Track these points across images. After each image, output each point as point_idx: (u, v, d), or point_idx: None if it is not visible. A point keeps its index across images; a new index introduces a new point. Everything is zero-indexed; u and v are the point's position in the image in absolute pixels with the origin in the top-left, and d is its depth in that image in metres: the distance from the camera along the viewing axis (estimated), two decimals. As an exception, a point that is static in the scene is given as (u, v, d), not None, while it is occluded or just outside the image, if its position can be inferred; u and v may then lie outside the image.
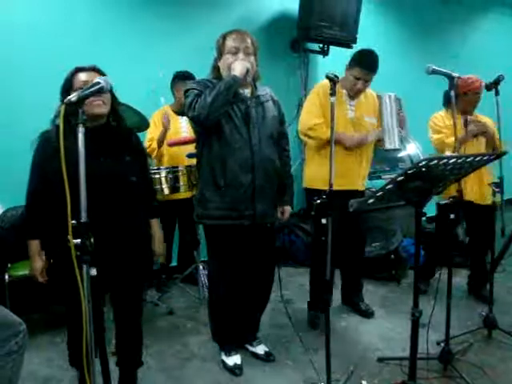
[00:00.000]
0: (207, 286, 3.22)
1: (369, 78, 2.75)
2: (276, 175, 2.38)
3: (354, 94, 2.83)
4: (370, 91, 2.96)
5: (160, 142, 3.35)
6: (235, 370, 2.44)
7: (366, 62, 2.73)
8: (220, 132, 2.21)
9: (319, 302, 3.01)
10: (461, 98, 3.00)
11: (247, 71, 2.14)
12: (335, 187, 2.52)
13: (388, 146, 2.78)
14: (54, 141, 1.72)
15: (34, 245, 1.90)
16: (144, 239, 2.05)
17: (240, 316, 2.56)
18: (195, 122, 2.23)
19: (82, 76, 1.83)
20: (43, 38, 3.31)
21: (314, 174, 2.84)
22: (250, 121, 2.24)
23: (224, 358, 2.52)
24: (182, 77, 3.45)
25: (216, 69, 2.31)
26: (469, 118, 2.99)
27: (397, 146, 2.78)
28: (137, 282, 2.07)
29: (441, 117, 3.23)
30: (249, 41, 2.22)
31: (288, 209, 2.51)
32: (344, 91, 2.82)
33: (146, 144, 3.41)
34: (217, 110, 2.10)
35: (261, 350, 2.62)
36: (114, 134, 1.91)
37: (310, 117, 2.78)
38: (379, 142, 2.88)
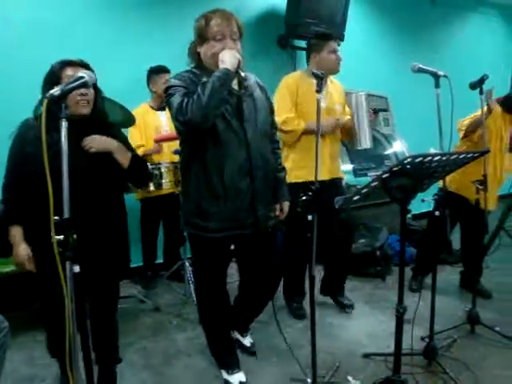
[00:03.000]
0: (193, 284, 3.21)
1: (338, 47, 2.84)
2: (272, 175, 2.22)
3: (338, 70, 2.85)
4: (334, 80, 2.99)
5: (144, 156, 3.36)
6: None
7: (328, 35, 2.85)
8: (213, 132, 1.94)
9: (295, 291, 3.10)
10: None
11: (239, 63, 1.89)
12: (312, 178, 2.56)
13: (359, 146, 2.82)
14: (34, 129, 1.74)
15: (16, 231, 1.86)
16: (121, 234, 2.04)
17: (239, 315, 2.50)
18: (188, 126, 1.85)
19: (69, 71, 1.81)
20: (38, 35, 3.32)
21: (291, 168, 2.78)
22: (244, 116, 2.00)
23: (227, 376, 2.32)
24: (155, 71, 3.47)
25: (196, 55, 2.04)
26: None
27: (368, 146, 2.81)
28: (113, 277, 2.06)
29: None
30: (234, 24, 1.96)
31: (287, 204, 2.34)
32: (314, 81, 2.78)
33: None
34: (213, 111, 1.83)
35: (247, 341, 2.62)
36: (94, 127, 1.89)
37: (280, 112, 2.74)
38: (350, 140, 2.93)
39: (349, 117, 2.91)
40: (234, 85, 2.01)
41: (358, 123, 2.75)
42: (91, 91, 1.85)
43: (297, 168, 2.80)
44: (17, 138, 1.87)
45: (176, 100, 1.86)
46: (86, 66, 1.85)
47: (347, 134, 2.98)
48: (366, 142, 2.78)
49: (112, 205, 1.96)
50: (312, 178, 2.64)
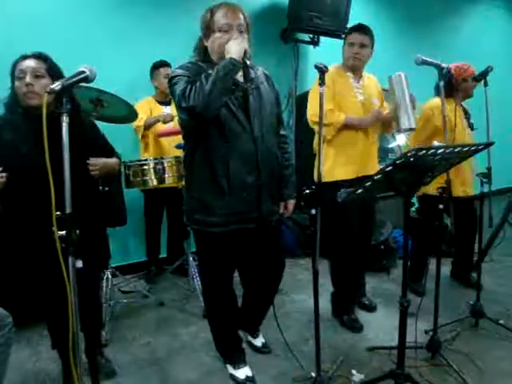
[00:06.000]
0: (197, 278, 3.21)
1: (364, 41, 2.72)
2: (278, 170, 2.18)
3: (354, 65, 2.75)
4: (371, 75, 2.95)
5: (146, 128, 3.38)
6: None
7: (356, 27, 2.77)
8: (219, 125, 1.92)
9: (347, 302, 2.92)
10: (460, 85, 3.04)
11: (245, 52, 1.82)
12: (358, 174, 2.65)
13: (407, 125, 2.56)
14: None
15: None
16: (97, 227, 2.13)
17: (247, 316, 2.48)
18: (190, 114, 1.81)
19: (24, 63, 1.83)
20: (41, 33, 3.29)
21: (333, 166, 2.73)
22: (250, 109, 1.97)
23: (232, 371, 2.32)
24: (157, 66, 3.49)
25: (202, 49, 2.02)
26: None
27: (413, 126, 2.56)
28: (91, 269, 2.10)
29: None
30: (241, 16, 1.96)
31: (292, 202, 2.29)
32: (349, 74, 2.78)
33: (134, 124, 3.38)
34: (216, 101, 1.78)
35: (258, 342, 2.59)
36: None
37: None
38: (389, 127, 2.85)
39: (387, 111, 2.79)
40: (240, 77, 1.96)
41: (400, 102, 2.54)
42: (41, 82, 1.83)
43: (338, 165, 2.70)
44: None
45: (179, 87, 1.83)
46: (42, 58, 1.86)
47: (388, 126, 2.88)
48: (409, 122, 2.54)
49: (83, 198, 1.93)
50: (353, 176, 2.67)
